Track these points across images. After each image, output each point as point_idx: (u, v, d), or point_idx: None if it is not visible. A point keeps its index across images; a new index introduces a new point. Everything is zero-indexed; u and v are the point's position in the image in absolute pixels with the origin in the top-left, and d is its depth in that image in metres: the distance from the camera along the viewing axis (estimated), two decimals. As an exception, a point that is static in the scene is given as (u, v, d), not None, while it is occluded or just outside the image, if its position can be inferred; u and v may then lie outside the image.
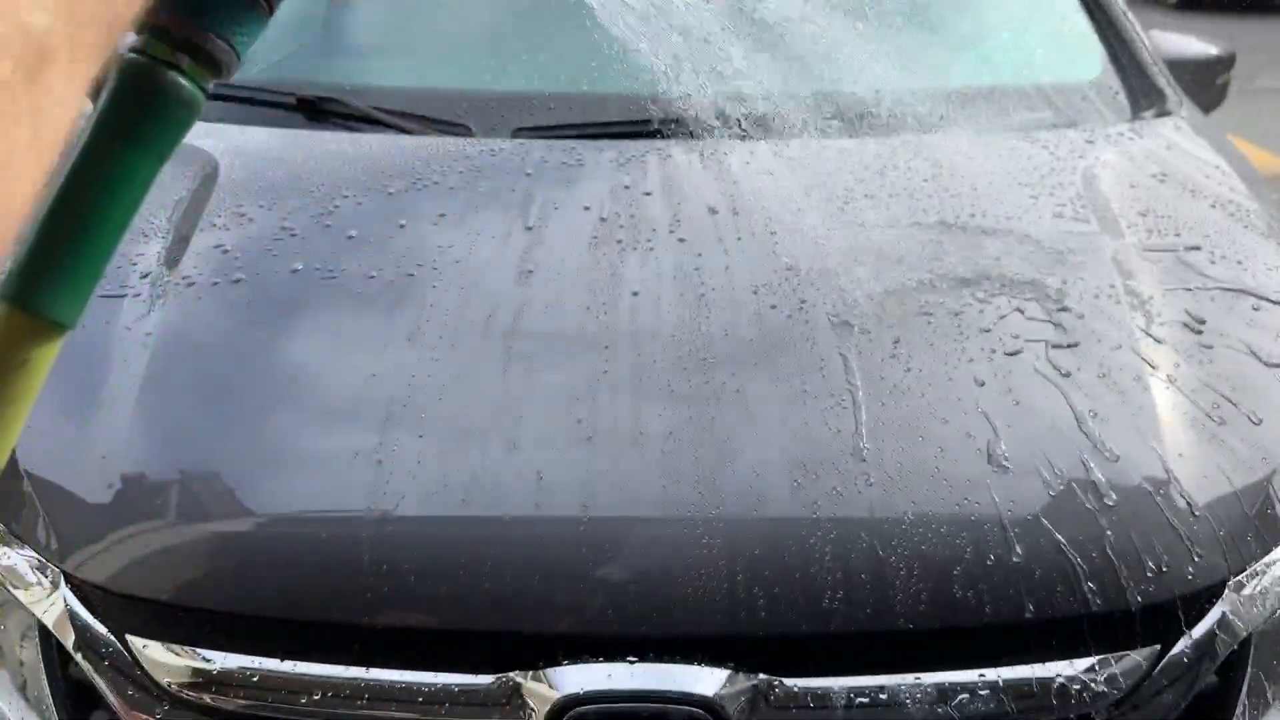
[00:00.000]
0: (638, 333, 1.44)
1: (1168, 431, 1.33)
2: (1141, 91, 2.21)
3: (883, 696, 1.17)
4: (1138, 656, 1.22)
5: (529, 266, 1.57)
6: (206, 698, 1.22)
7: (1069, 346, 1.44)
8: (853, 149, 1.91)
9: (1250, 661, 1.29)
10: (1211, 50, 2.56)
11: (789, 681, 1.17)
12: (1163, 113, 2.15)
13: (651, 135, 1.94)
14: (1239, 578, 1.26)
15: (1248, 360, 1.47)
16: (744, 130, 1.96)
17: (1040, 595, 1.18)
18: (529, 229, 1.65)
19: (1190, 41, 2.58)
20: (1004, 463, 1.29)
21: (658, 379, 1.36)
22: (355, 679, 1.18)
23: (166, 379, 1.42)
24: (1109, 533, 1.23)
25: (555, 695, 1.15)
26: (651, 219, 1.68)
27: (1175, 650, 1.23)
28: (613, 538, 1.20)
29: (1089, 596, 1.20)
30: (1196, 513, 1.26)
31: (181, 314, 1.51)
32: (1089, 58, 2.28)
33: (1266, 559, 1.29)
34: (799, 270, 1.56)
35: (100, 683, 1.25)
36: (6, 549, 1.32)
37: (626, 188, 1.76)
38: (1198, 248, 1.69)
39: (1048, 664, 1.20)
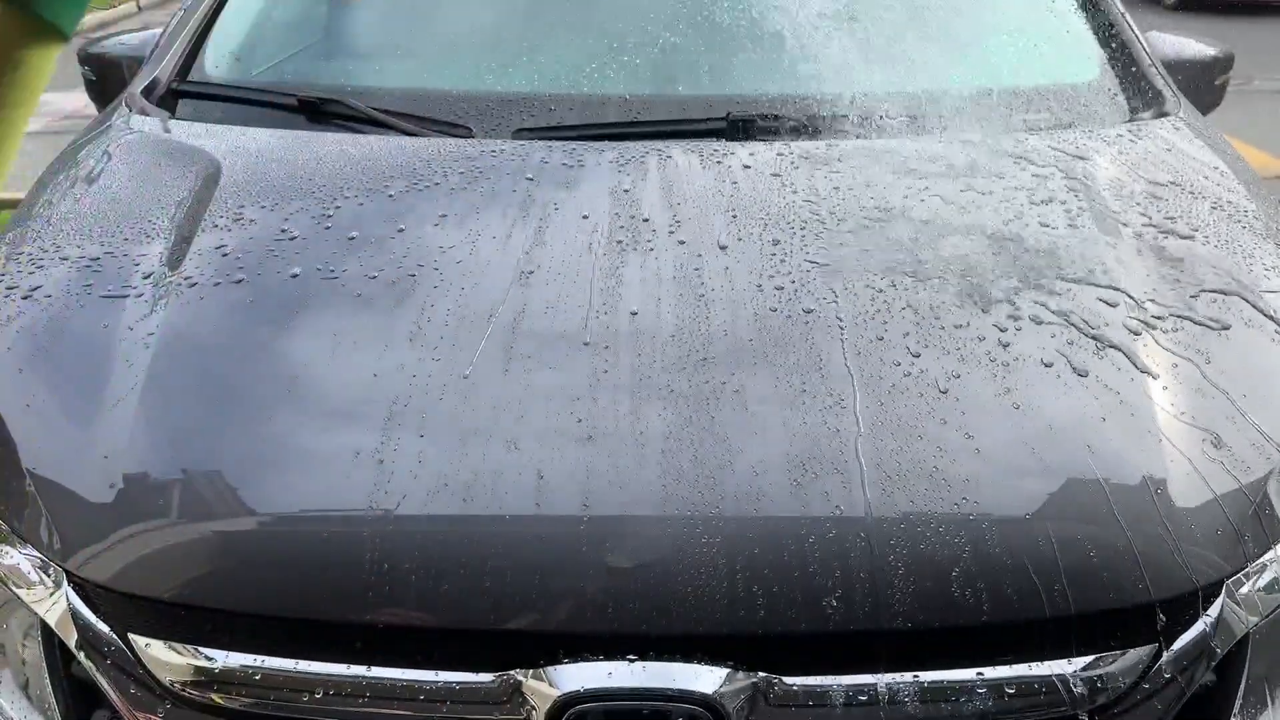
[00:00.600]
0: (638, 333, 1.44)
1: (1165, 431, 1.34)
2: (1139, 93, 2.21)
3: (881, 695, 1.18)
4: (1135, 655, 1.22)
5: (530, 267, 1.57)
6: (209, 696, 1.22)
7: (1067, 347, 1.44)
8: (851, 150, 1.91)
9: (1248, 660, 1.29)
10: (1209, 51, 2.56)
11: (788, 680, 1.17)
12: (1161, 114, 2.16)
13: (652, 136, 1.95)
14: (1237, 577, 1.27)
15: (1246, 360, 1.48)
16: (744, 131, 1.97)
17: (1038, 594, 1.19)
18: (530, 230, 1.66)
19: (1188, 43, 2.58)
20: (1002, 462, 1.29)
21: (658, 379, 1.36)
22: (357, 677, 1.19)
23: (168, 379, 1.42)
24: (1107, 532, 1.23)
25: (556, 693, 1.16)
26: (652, 220, 1.68)
27: (1173, 649, 1.23)
28: (613, 537, 1.20)
29: (1087, 595, 1.20)
30: (1194, 512, 1.27)
31: (183, 314, 1.52)
32: (1087, 59, 2.28)
33: (1264, 558, 1.29)
34: (799, 270, 1.57)
35: (103, 681, 1.26)
36: (9, 548, 1.32)
37: (627, 190, 1.77)
38: (1196, 248, 1.69)
39: (1045, 662, 1.20)
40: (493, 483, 1.23)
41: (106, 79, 2.49)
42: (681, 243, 1.63)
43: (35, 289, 1.58)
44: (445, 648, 1.20)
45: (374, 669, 1.19)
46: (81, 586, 1.26)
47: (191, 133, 2.04)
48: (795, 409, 1.32)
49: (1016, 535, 1.22)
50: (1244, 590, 1.28)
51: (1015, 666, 1.20)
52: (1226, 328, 1.52)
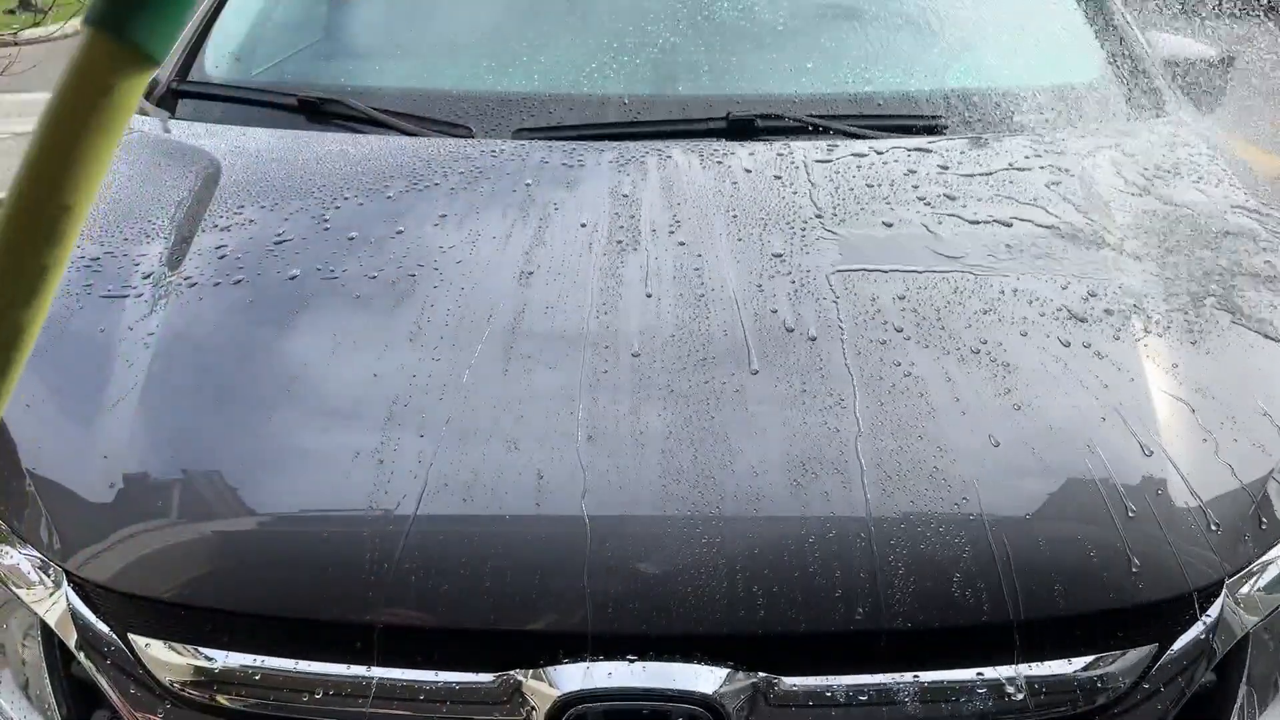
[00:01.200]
0: (638, 333, 1.44)
1: (1166, 431, 1.33)
2: (1140, 92, 2.21)
3: (881, 695, 1.17)
4: (1135, 655, 1.22)
5: (530, 267, 1.57)
6: (208, 696, 1.22)
7: (1067, 347, 1.44)
8: (851, 149, 1.91)
9: (1248, 660, 1.29)
10: (1209, 51, 2.56)
11: (788, 680, 1.17)
12: (1161, 114, 2.16)
13: (652, 136, 1.95)
14: (1237, 577, 1.27)
15: (1246, 360, 1.48)
16: (745, 131, 1.97)
17: (1038, 594, 1.19)
18: (530, 230, 1.66)
19: (1188, 43, 2.58)
20: (1002, 462, 1.29)
21: (657, 379, 1.36)
22: (357, 677, 1.19)
23: (169, 379, 1.42)
24: (1107, 532, 1.23)
25: (556, 693, 1.15)
26: (651, 220, 1.68)
27: (1173, 649, 1.23)
28: (613, 537, 1.20)
29: (1087, 595, 1.20)
30: (1194, 512, 1.27)
31: (184, 314, 1.52)
32: (1087, 59, 2.28)
33: (1264, 558, 1.29)
34: (799, 270, 1.57)
35: (102, 681, 1.26)
36: (9, 548, 1.32)
37: (627, 190, 1.77)
38: (1195, 248, 1.69)
39: (1045, 662, 1.20)
40: (493, 483, 1.23)
41: None
42: (681, 243, 1.63)
43: None
44: (445, 648, 1.20)
45: (374, 669, 1.19)
46: (81, 586, 1.26)
47: (191, 133, 2.04)
48: (795, 409, 1.32)
49: (1016, 535, 1.22)
50: (1244, 590, 1.27)
51: (1015, 666, 1.20)
52: (1227, 327, 1.52)
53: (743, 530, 1.21)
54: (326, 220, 1.70)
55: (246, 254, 1.62)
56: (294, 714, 1.20)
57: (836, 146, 1.92)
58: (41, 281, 0.40)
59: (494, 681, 1.18)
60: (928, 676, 1.18)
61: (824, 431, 1.29)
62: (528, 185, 1.78)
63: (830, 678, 1.18)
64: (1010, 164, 1.88)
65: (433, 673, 1.18)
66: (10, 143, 6.45)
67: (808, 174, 1.82)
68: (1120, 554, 1.23)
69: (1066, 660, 1.20)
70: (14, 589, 1.32)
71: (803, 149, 1.90)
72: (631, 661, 1.16)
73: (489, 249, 1.62)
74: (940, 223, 1.70)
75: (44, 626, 1.30)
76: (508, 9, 2.34)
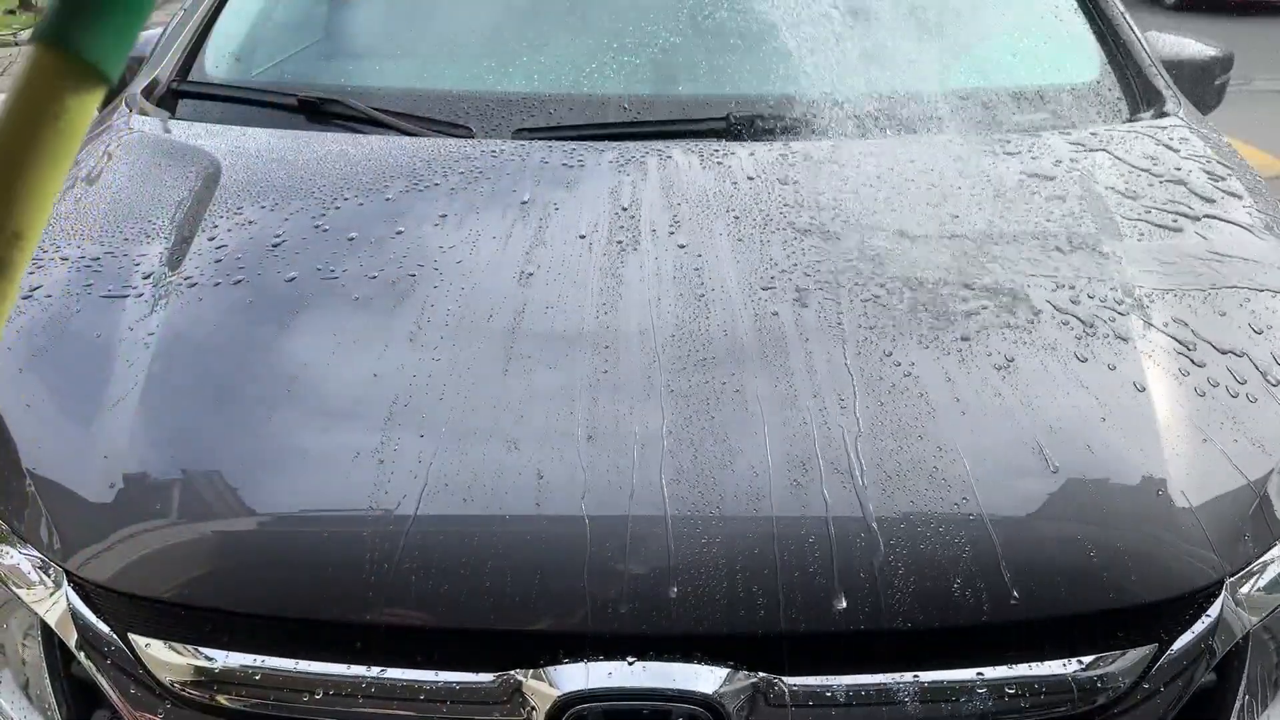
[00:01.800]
0: (638, 333, 1.44)
1: (1165, 431, 1.33)
2: (1139, 92, 2.21)
3: (881, 695, 1.18)
4: (1135, 655, 1.22)
5: (530, 267, 1.57)
6: (208, 696, 1.22)
7: (1067, 346, 1.44)
8: (852, 149, 1.91)
9: (1248, 660, 1.29)
10: (1209, 51, 2.56)
11: (788, 680, 1.17)
12: (1161, 114, 2.16)
13: (652, 136, 1.95)
14: (1236, 577, 1.27)
15: (1245, 360, 1.48)
16: (745, 131, 1.97)
17: (1038, 594, 1.19)
18: (530, 230, 1.66)
19: (1188, 42, 2.58)
20: (1002, 462, 1.29)
21: (658, 379, 1.36)
22: (357, 677, 1.19)
23: (169, 379, 1.42)
24: (1107, 532, 1.23)
25: (556, 693, 1.16)
26: (652, 220, 1.68)
27: (1173, 649, 1.23)
28: (613, 537, 1.20)
29: (1087, 595, 1.20)
30: (1194, 512, 1.27)
31: (184, 314, 1.52)
32: (1087, 59, 2.28)
33: (1264, 558, 1.29)
34: (799, 270, 1.57)
35: (103, 681, 1.26)
36: (9, 548, 1.32)
37: (626, 192, 1.77)
38: (1195, 248, 1.69)
39: (1045, 662, 1.20)
40: (493, 483, 1.23)
41: None
42: (681, 244, 1.63)
43: (35, 289, 1.58)
44: (445, 648, 1.20)
45: (374, 669, 1.19)
46: (81, 586, 1.26)
47: (191, 133, 2.04)
48: (795, 409, 1.32)
49: (1016, 535, 1.22)
50: (1244, 590, 1.27)
51: (1015, 666, 1.20)
52: (1227, 327, 1.52)
53: (743, 530, 1.21)
54: (326, 220, 1.70)
55: (246, 254, 1.62)
56: (294, 714, 1.21)
57: (838, 146, 1.92)
58: None
59: (494, 681, 1.18)
60: (928, 676, 1.19)
61: (824, 431, 1.29)
62: (528, 185, 1.78)
63: (830, 678, 1.18)
64: (1010, 164, 1.88)
65: (433, 673, 1.19)
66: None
67: (809, 174, 1.82)
68: (1120, 554, 1.23)
69: (1066, 660, 1.20)
70: (14, 589, 1.32)
71: (804, 149, 1.90)
72: (631, 662, 1.16)
73: (489, 249, 1.62)
74: (940, 222, 1.70)
75: (44, 626, 1.30)
76: (508, 9, 2.34)
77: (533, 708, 1.17)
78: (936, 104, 2.03)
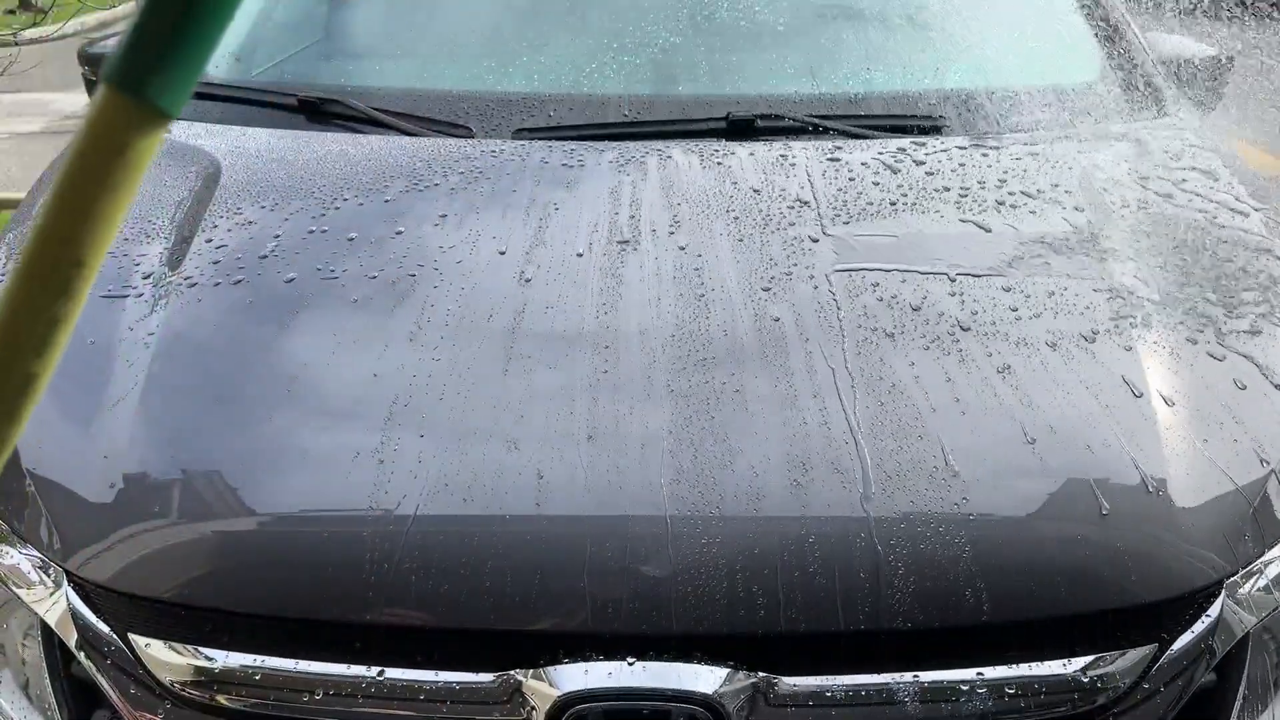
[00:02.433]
0: (638, 333, 1.44)
1: (1166, 431, 1.33)
2: (1140, 93, 2.21)
3: (881, 695, 1.18)
4: (1135, 655, 1.22)
5: (530, 267, 1.57)
6: (209, 696, 1.22)
7: (1067, 346, 1.44)
8: (850, 150, 1.91)
9: (1247, 660, 1.29)
10: (1209, 51, 2.56)
11: (788, 680, 1.17)
12: (1161, 114, 2.16)
13: (652, 136, 1.95)
14: (1236, 577, 1.27)
15: (1245, 360, 1.48)
16: (745, 131, 1.97)
17: (1038, 594, 1.19)
18: (530, 230, 1.66)
19: (1188, 43, 2.58)
20: (1002, 462, 1.29)
21: (657, 379, 1.36)
22: (357, 677, 1.19)
23: (169, 379, 1.42)
24: (1107, 532, 1.23)
25: (556, 693, 1.16)
26: (651, 220, 1.68)
27: (1173, 649, 1.23)
28: (613, 537, 1.20)
29: (1087, 595, 1.20)
30: (1194, 512, 1.27)
31: (184, 314, 1.52)
32: (1087, 59, 2.28)
33: (1264, 558, 1.29)
34: (799, 270, 1.57)
35: (102, 681, 1.26)
36: (9, 548, 1.32)
37: (626, 192, 1.77)
38: (1196, 249, 1.69)
39: (1045, 662, 1.20)
40: (493, 483, 1.23)
41: None
42: (681, 246, 1.63)
43: None
44: (445, 648, 1.20)
45: (374, 669, 1.19)
46: (81, 586, 1.26)
47: (191, 133, 2.04)
48: (795, 409, 1.32)
49: (1016, 535, 1.22)
50: (1244, 590, 1.27)
51: (1015, 666, 1.20)
52: (1227, 327, 1.52)
53: (743, 530, 1.21)
54: (326, 220, 1.70)
55: (246, 254, 1.62)
56: (294, 714, 1.21)
57: (837, 147, 1.92)
58: (53, 333, 0.41)
59: (494, 681, 1.18)
60: (928, 676, 1.18)
61: (824, 431, 1.29)
62: (528, 185, 1.78)
63: (830, 678, 1.18)
64: (1009, 164, 1.88)
65: (433, 673, 1.19)
66: (10, 143, 6.44)
67: (808, 174, 1.82)
68: (1120, 554, 1.23)
69: (1066, 660, 1.20)
70: (14, 589, 1.32)
71: (803, 149, 1.90)
72: (631, 662, 1.16)
73: (489, 249, 1.62)
74: (940, 222, 1.70)
75: (44, 626, 1.30)
76: (508, 9, 2.34)
77: (533, 708, 1.17)
78: (936, 103, 2.03)
